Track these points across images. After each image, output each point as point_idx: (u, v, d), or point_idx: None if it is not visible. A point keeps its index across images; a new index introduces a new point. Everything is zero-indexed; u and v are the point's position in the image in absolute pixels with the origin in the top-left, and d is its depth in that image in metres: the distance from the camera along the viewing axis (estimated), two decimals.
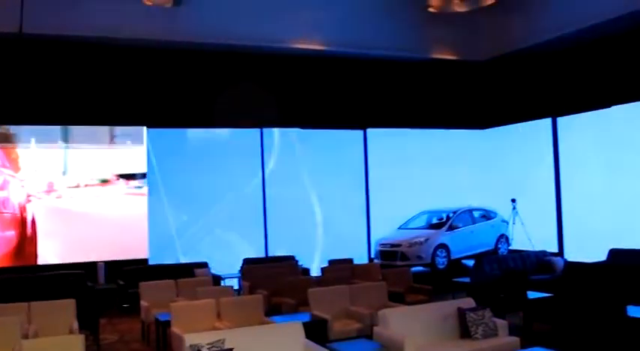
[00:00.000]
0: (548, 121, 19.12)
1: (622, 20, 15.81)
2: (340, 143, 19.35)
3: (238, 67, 18.05)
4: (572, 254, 17.56)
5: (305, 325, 8.45)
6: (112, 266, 16.13)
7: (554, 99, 18.87)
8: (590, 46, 17.59)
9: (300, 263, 16.70)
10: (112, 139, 17.41)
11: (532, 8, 17.14)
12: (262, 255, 17.77)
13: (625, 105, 16.76)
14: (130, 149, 17.40)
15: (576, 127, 18.39)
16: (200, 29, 16.38)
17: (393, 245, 17.78)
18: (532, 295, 11.98)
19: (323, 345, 8.30)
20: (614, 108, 17.06)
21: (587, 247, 16.86)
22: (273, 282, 13.69)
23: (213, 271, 15.84)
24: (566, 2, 16.46)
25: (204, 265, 16.03)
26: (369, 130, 19.65)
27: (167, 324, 10.27)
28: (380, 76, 19.66)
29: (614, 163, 17.12)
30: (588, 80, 17.85)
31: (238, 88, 17.84)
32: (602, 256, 15.48)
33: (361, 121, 19.51)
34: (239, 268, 16.27)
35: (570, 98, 18.34)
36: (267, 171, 18.41)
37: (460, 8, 15.66)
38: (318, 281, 13.96)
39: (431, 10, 15.82)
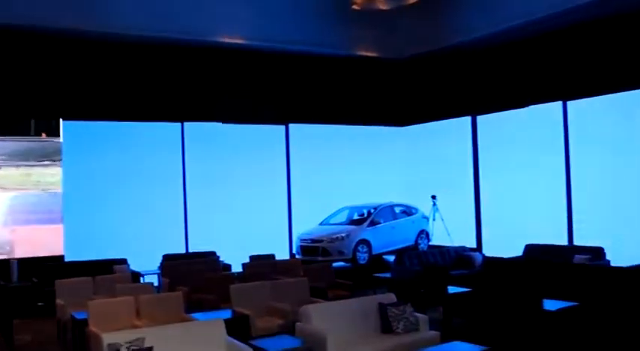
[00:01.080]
0: (467, 119, 19.49)
1: (540, 23, 16.23)
2: (262, 138, 19.21)
3: (159, 60, 17.71)
4: (490, 249, 17.93)
5: (226, 321, 8.37)
6: (26, 264, 15.58)
7: (473, 98, 19.25)
8: (509, 47, 18.03)
9: (221, 259, 16.52)
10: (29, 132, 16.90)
11: (454, 8, 17.38)
12: (183, 251, 17.50)
13: (541, 105, 17.24)
14: (46, 142, 16.90)
15: (495, 125, 18.81)
16: (120, 21, 15.97)
17: (314, 241, 17.77)
18: (452, 290, 12.16)
19: (245, 342, 8.22)
20: (531, 107, 17.53)
21: (504, 242, 17.26)
22: (194, 278, 13.51)
23: (132, 267, 15.50)
24: (487, 4, 16.74)
25: (123, 261, 15.67)
26: (292, 125, 19.58)
27: (84, 323, 9.96)
28: (302, 72, 19.66)
29: (530, 161, 17.59)
30: (507, 80, 18.29)
31: (158, 81, 17.56)
32: (518, 252, 15.88)
33: (283, 117, 19.43)
34: (159, 265, 15.97)
35: (489, 97, 18.75)
36: (187, 166, 18.11)
37: (383, 6, 15.72)
38: (240, 277, 13.86)
39: (354, 7, 15.84)
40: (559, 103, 17.02)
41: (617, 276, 11.80)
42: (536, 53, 17.54)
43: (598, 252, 14.52)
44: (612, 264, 14.08)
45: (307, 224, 18.79)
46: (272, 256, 16.55)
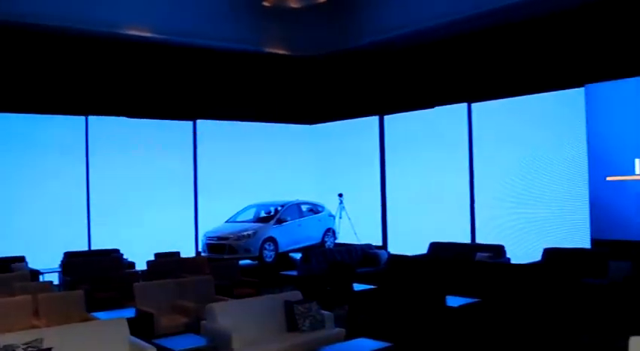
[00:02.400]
0: (375, 118, 19.74)
1: (447, 27, 16.61)
2: (169, 134, 18.89)
3: (61, 51, 17.16)
4: (396, 247, 18.21)
5: (129, 320, 8.15)
6: None
7: (381, 97, 19.52)
8: (417, 49, 18.39)
9: (125, 257, 16.15)
10: None
11: (364, 9, 17.61)
12: (85, 248, 17.03)
13: (448, 106, 17.64)
14: None
15: (402, 124, 19.11)
16: (25, 8, 15.39)
17: (220, 238, 17.60)
18: (357, 287, 12.25)
19: (148, 341, 8.05)
20: (437, 108, 17.90)
21: (409, 240, 17.58)
22: (96, 276, 13.16)
23: (31, 265, 14.96)
24: (396, 6, 17.00)
25: (21, 259, 15.11)
26: (200, 122, 19.33)
27: None
28: (212, 67, 19.43)
29: (435, 161, 17.97)
30: (415, 81, 18.62)
31: (62, 73, 17.03)
32: (424, 250, 16.18)
33: (191, 113, 19.16)
34: (60, 262, 15.46)
35: (397, 97, 19.05)
36: (91, 162, 17.63)
37: (294, 4, 15.76)
38: (144, 275, 13.59)
39: (265, 4, 15.81)
40: (464, 105, 17.48)
41: (517, 273, 12.19)
42: (443, 56, 17.95)
43: (499, 250, 14.95)
44: (512, 261, 14.56)
45: (214, 222, 18.60)
46: (177, 254, 16.29)
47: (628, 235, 14.27)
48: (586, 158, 15.04)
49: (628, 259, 12.71)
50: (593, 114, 14.97)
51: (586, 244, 14.89)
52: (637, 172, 14.26)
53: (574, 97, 15.27)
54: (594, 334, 9.74)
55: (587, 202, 15.04)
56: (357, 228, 19.16)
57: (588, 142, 15.00)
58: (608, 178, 14.43)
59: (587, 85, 15.04)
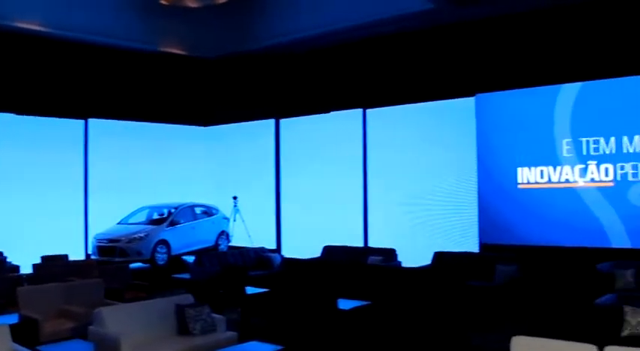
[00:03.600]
0: (272, 121, 19.75)
1: (345, 32, 16.79)
2: (59, 133, 18.24)
3: None
4: (290, 251, 18.25)
5: (12, 326, 7.86)
6: None
7: (278, 101, 19.54)
8: (315, 54, 18.51)
9: (8, 260, 15.51)
10: None
11: (262, 12, 17.58)
12: None
13: (344, 111, 17.84)
14: None
15: (299, 128, 19.20)
16: None
17: (111, 241, 17.18)
18: (250, 290, 12.22)
19: (32, 348, 7.77)
20: (333, 113, 18.08)
21: (304, 243, 17.66)
22: None
23: None
24: (295, 10, 17.05)
25: None
26: (91, 120, 18.76)
27: None
28: (105, 65, 18.83)
29: (331, 166, 18.14)
30: (312, 85, 18.76)
31: None
32: (317, 253, 16.30)
33: (83, 111, 18.57)
34: None
35: (293, 101, 19.12)
36: None
37: (192, 4, 15.53)
38: (30, 279, 13.09)
39: (163, 2, 15.51)
40: (359, 110, 17.74)
41: (407, 276, 12.46)
42: (340, 61, 18.14)
43: (390, 253, 15.25)
44: (403, 264, 14.87)
45: (105, 224, 18.12)
46: (65, 257, 15.79)
47: (514, 240, 14.82)
48: (476, 165, 15.52)
49: (514, 262, 13.21)
50: (482, 122, 15.49)
51: (476, 248, 15.35)
52: (519, 180, 14.85)
53: (466, 106, 15.73)
54: (481, 335, 10.07)
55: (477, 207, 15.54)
56: (251, 231, 19.11)
57: (477, 150, 15.49)
58: (520, 186, 14.90)
59: (477, 95, 15.54)
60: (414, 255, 15.32)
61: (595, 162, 13.85)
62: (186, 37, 19.14)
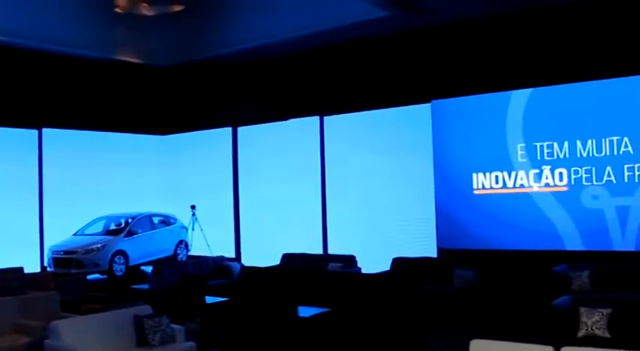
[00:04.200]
0: (228, 129, 19.69)
1: (298, 41, 16.81)
2: (12, 142, 17.87)
3: None
4: (250, 259, 18.18)
5: None
6: None
7: (234, 109, 19.47)
8: (273, 61, 18.49)
9: None
10: None
11: (217, 21, 17.47)
12: None
13: (301, 119, 17.87)
14: None
15: (255, 137, 19.17)
16: None
17: (67, 252, 16.93)
18: (210, 299, 12.15)
19: None
20: (290, 121, 18.10)
21: (263, 251, 17.61)
22: None
23: None
24: (248, 18, 17.00)
25: None
26: (45, 130, 18.47)
27: None
28: (58, 73, 18.53)
29: (289, 173, 18.15)
30: (269, 93, 18.75)
31: None
32: (277, 261, 16.27)
33: (36, 120, 18.26)
34: None
35: (250, 109, 19.07)
36: None
37: (147, 11, 15.38)
38: None
39: (117, 10, 15.33)
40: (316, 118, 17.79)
41: (366, 282, 12.51)
42: (297, 69, 18.17)
43: (350, 260, 15.28)
44: (363, 271, 14.92)
45: (61, 235, 17.84)
46: (20, 270, 15.49)
47: (472, 245, 14.98)
48: (432, 171, 15.65)
49: (472, 267, 13.35)
50: (438, 128, 15.64)
51: (434, 253, 15.47)
52: (475, 185, 15.03)
53: (423, 112, 15.87)
54: (440, 339, 10.14)
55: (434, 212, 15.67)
56: (210, 240, 18.99)
57: (434, 156, 15.63)
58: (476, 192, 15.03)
59: (433, 101, 15.69)
60: (374, 261, 15.40)
61: (549, 166, 14.07)
62: (141, 45, 18.93)
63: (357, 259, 15.39)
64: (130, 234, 17.81)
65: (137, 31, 17.41)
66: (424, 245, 15.70)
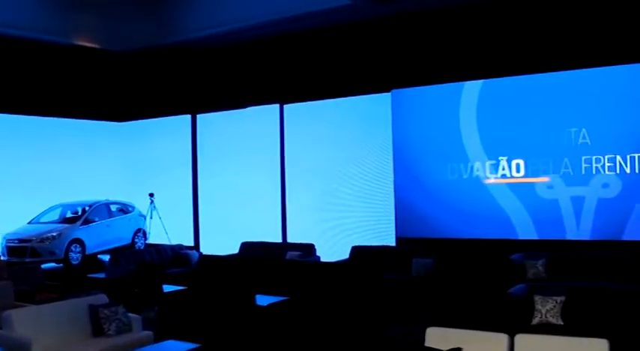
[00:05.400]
0: (188, 117, 19.53)
1: (258, 28, 16.75)
2: None
3: None
4: (209, 248, 18.11)
5: None
6: None
7: (194, 96, 19.32)
8: (233, 48, 18.37)
9: None
10: None
11: (176, 7, 17.32)
12: None
13: (261, 107, 17.77)
14: None
15: (214, 124, 19.05)
16: None
17: (21, 240, 16.64)
18: (167, 288, 12.06)
19: None
20: (250, 109, 18.01)
21: (223, 240, 17.55)
22: None
23: None
24: (208, 5, 16.87)
25: None
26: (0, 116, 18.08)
27: None
28: (16, 57, 18.17)
29: (249, 161, 18.08)
30: (228, 81, 18.62)
31: None
32: (236, 249, 16.22)
33: None
34: None
35: (209, 96, 18.95)
36: None
37: None
38: None
39: None
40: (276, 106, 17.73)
41: (325, 270, 12.54)
42: (257, 56, 18.05)
43: (309, 248, 15.29)
44: (322, 259, 14.96)
45: (15, 223, 17.54)
46: None
47: (430, 234, 15.09)
48: (392, 159, 15.72)
49: (430, 255, 13.45)
50: (397, 117, 15.68)
51: (393, 242, 15.55)
52: (434, 175, 15.12)
53: (383, 101, 15.90)
54: (398, 327, 10.21)
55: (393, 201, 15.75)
56: (168, 228, 18.85)
57: (393, 144, 15.68)
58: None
59: (392, 91, 15.73)
60: (334, 250, 15.46)
61: (506, 157, 14.22)
62: (100, 30, 18.64)
63: (317, 247, 15.41)
64: (86, 222, 17.57)
65: (97, 15, 17.16)
66: (383, 234, 15.79)
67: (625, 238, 12.93)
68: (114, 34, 18.74)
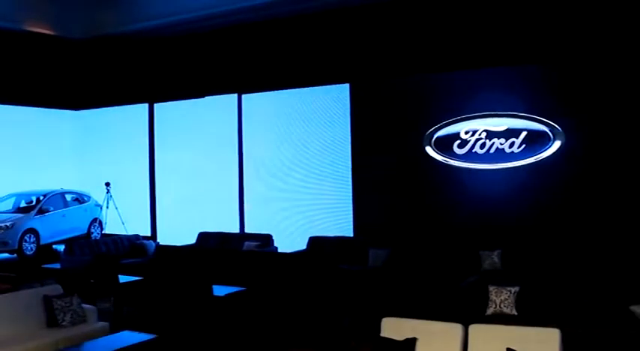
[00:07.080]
0: (145, 105, 19.34)
1: (221, 16, 16.65)
2: None
3: None
4: (167, 238, 18.01)
5: None
6: None
7: (152, 84, 19.14)
8: (191, 37, 18.23)
9: None
10: None
11: None
12: None
13: (219, 96, 17.70)
14: None
15: (172, 114, 18.91)
16: None
17: None
18: (123, 279, 11.95)
19: None
20: (208, 98, 17.91)
21: (180, 230, 17.46)
22: None
23: None
24: None
25: None
26: None
27: None
28: None
29: (206, 151, 18.00)
30: (186, 69, 18.50)
31: None
32: (192, 239, 16.17)
33: None
34: None
35: (168, 85, 18.79)
36: None
37: None
38: None
39: None
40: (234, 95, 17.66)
41: (282, 261, 12.58)
42: (215, 45, 17.96)
43: (267, 239, 15.31)
44: (280, 250, 14.98)
45: None
46: None
47: (387, 224, 15.18)
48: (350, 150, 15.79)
49: (387, 246, 13.55)
50: (356, 108, 15.73)
51: (351, 232, 15.63)
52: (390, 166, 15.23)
53: (342, 90, 15.95)
54: (353, 317, 10.29)
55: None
56: (125, 218, 18.69)
57: (351, 135, 15.74)
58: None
59: (351, 83, 15.80)
60: (292, 240, 15.49)
61: (463, 150, 14.33)
62: (55, 16, 18.32)
63: (274, 238, 15.42)
64: (41, 212, 17.32)
65: (50, 2, 16.88)
66: (341, 224, 15.84)
67: None
68: (70, 21, 18.44)
